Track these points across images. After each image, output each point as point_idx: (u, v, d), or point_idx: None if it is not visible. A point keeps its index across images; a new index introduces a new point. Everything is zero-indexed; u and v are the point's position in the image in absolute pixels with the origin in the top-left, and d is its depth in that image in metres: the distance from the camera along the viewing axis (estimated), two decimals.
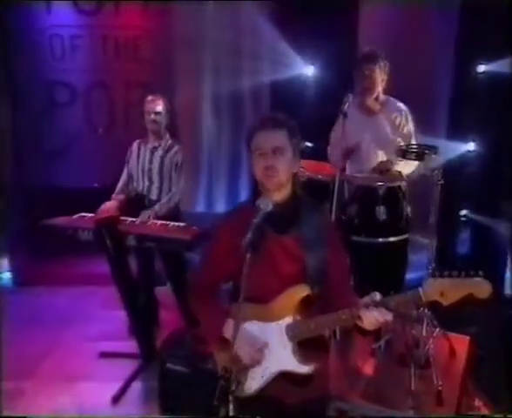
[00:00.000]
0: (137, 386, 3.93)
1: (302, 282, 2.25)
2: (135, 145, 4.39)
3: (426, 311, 3.62)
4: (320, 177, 3.83)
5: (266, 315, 2.28)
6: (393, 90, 3.97)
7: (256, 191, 2.33)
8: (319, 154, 4.13)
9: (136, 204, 4.26)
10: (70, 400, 3.72)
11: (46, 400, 3.73)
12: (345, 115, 3.44)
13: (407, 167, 3.79)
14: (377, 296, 2.12)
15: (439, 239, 3.68)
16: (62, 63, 5.76)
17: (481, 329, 4.24)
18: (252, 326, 2.28)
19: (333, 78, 5.13)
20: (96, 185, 5.59)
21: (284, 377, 2.26)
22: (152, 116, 4.22)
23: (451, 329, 3.92)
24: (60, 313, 4.91)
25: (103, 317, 4.80)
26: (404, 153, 3.53)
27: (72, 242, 3.91)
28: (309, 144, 4.83)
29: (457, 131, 5.18)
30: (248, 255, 2.06)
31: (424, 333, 3.62)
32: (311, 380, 2.26)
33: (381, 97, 3.93)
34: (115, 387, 3.83)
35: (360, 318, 2.12)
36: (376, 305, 2.09)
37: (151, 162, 4.29)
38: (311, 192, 2.52)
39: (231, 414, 2.01)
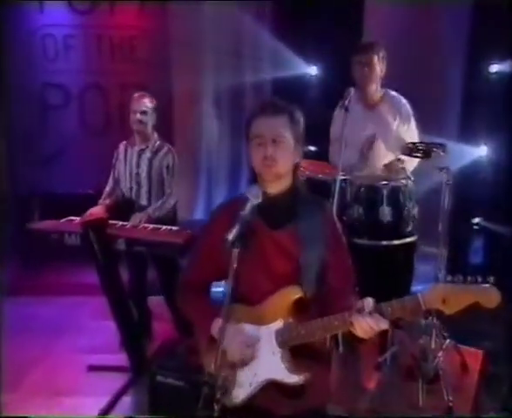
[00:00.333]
0: (126, 400, 3.73)
1: (296, 283, 2.06)
2: (121, 148, 4.18)
3: (435, 321, 3.45)
4: (320, 176, 3.74)
5: (256, 317, 2.09)
6: (402, 91, 3.88)
7: (254, 182, 2.17)
8: (322, 156, 4.04)
9: (124, 209, 4.06)
10: (56, 414, 3.53)
11: (31, 413, 3.48)
12: (346, 109, 3.33)
13: (410, 163, 3.67)
14: (370, 301, 1.91)
15: (450, 249, 3.53)
16: (55, 63, 5.71)
17: (493, 343, 4.05)
18: (242, 329, 2.09)
19: (337, 79, 4.98)
20: (91, 191, 5.44)
21: (273, 386, 2.05)
22: (138, 115, 4.00)
23: (462, 342, 3.79)
24: (49, 323, 4.74)
25: (93, 328, 4.63)
26: (411, 151, 3.40)
27: (63, 251, 3.79)
28: (312, 148, 4.70)
29: (468, 134, 5.06)
30: (236, 251, 1.89)
31: (433, 346, 3.46)
32: (303, 392, 2.04)
33: (380, 89, 3.83)
34: (104, 402, 3.63)
35: (352, 324, 1.91)
36: (370, 311, 1.89)
37: (138, 165, 4.08)
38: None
39: None
